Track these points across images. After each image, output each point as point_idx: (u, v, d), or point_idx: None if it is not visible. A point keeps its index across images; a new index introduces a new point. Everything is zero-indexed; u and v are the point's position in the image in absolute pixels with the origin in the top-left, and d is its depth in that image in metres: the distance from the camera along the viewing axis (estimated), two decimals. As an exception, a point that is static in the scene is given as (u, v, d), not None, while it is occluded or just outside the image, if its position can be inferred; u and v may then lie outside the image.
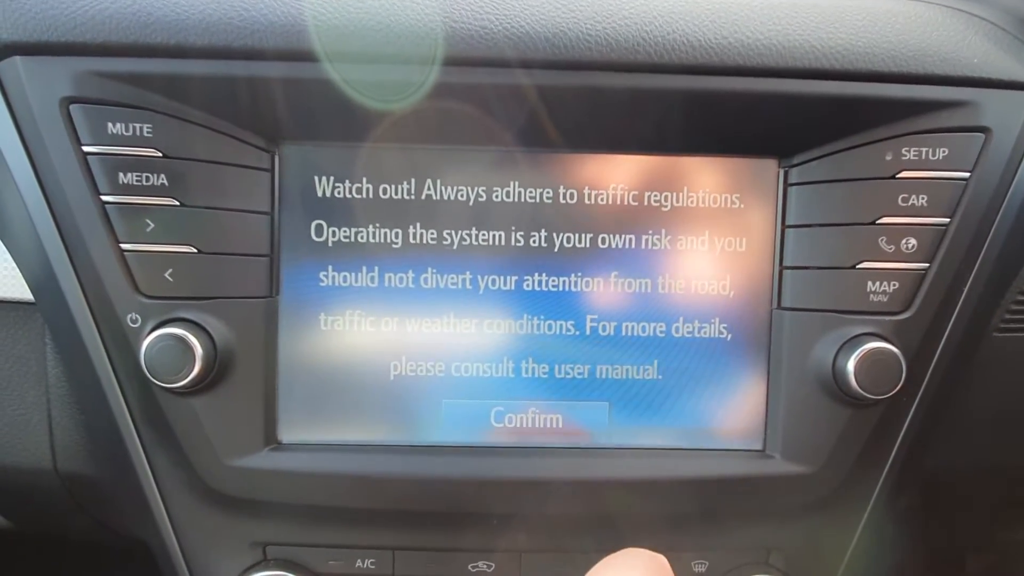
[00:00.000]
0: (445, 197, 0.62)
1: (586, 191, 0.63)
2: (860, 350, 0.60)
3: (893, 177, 0.60)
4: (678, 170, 0.63)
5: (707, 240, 0.64)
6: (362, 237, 0.62)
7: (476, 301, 0.63)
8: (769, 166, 0.64)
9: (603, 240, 0.63)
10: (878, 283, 0.61)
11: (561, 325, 0.64)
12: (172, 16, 0.56)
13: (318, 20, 0.56)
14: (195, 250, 0.59)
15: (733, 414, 0.65)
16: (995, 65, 0.61)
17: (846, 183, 0.61)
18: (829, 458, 0.63)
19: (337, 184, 0.62)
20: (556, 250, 0.63)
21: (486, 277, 0.63)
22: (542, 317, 0.64)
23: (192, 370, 0.57)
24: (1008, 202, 0.62)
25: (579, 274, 0.64)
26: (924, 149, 0.60)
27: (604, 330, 0.64)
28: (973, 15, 0.64)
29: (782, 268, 0.64)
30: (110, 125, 0.57)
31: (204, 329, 0.58)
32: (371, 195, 0.62)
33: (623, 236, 0.64)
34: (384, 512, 0.63)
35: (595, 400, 0.65)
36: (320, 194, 0.62)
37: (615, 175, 0.63)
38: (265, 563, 0.65)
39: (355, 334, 0.63)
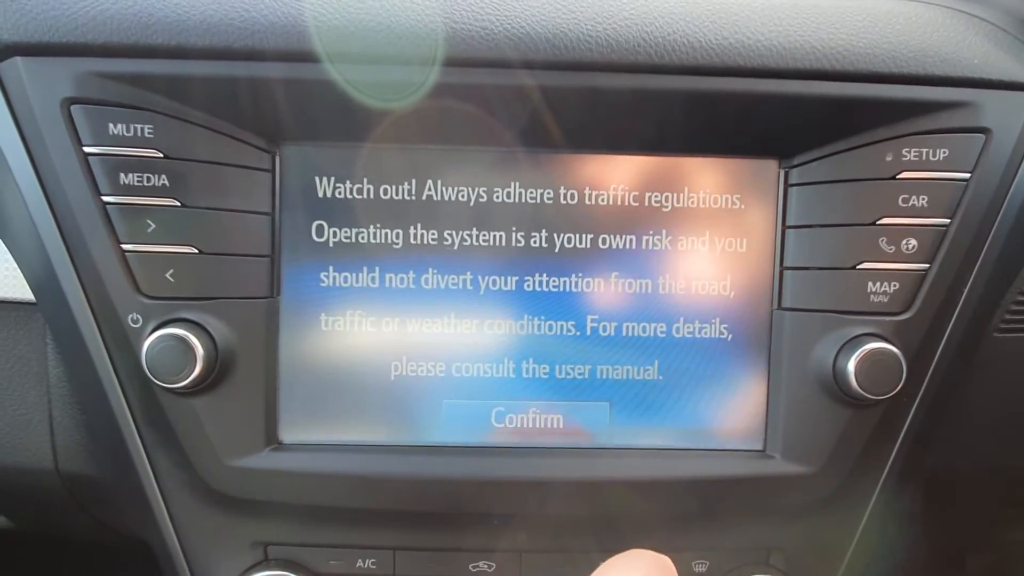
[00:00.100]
0: (446, 198, 0.62)
1: (587, 192, 0.63)
2: (860, 350, 0.60)
3: (893, 178, 0.60)
4: (679, 171, 0.63)
5: (708, 241, 0.64)
6: (363, 238, 0.62)
7: (477, 301, 0.64)
8: (769, 167, 0.64)
9: (604, 240, 0.63)
10: (878, 283, 0.61)
11: (562, 326, 0.64)
12: (173, 17, 0.56)
13: (319, 21, 0.56)
14: (196, 250, 0.59)
15: (733, 414, 0.65)
16: (995, 66, 0.61)
17: (846, 184, 0.61)
18: (829, 458, 0.63)
19: (338, 184, 0.62)
20: (557, 250, 0.63)
21: (487, 278, 0.63)
22: (543, 317, 0.64)
23: (193, 370, 0.57)
24: (1008, 203, 0.62)
25: (580, 274, 0.64)
26: (924, 150, 0.60)
27: (605, 330, 0.64)
28: (973, 16, 0.64)
29: (783, 268, 0.64)
30: (111, 126, 0.57)
31: (205, 329, 0.59)
32: (372, 196, 0.62)
33: (624, 236, 0.64)
34: (385, 512, 0.63)
35: (596, 400, 0.65)
36: (321, 195, 0.62)
37: (616, 175, 0.63)
38: (266, 563, 0.65)
39: (356, 334, 0.63)
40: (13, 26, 0.56)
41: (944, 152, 0.60)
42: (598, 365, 0.64)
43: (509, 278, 0.63)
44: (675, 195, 0.64)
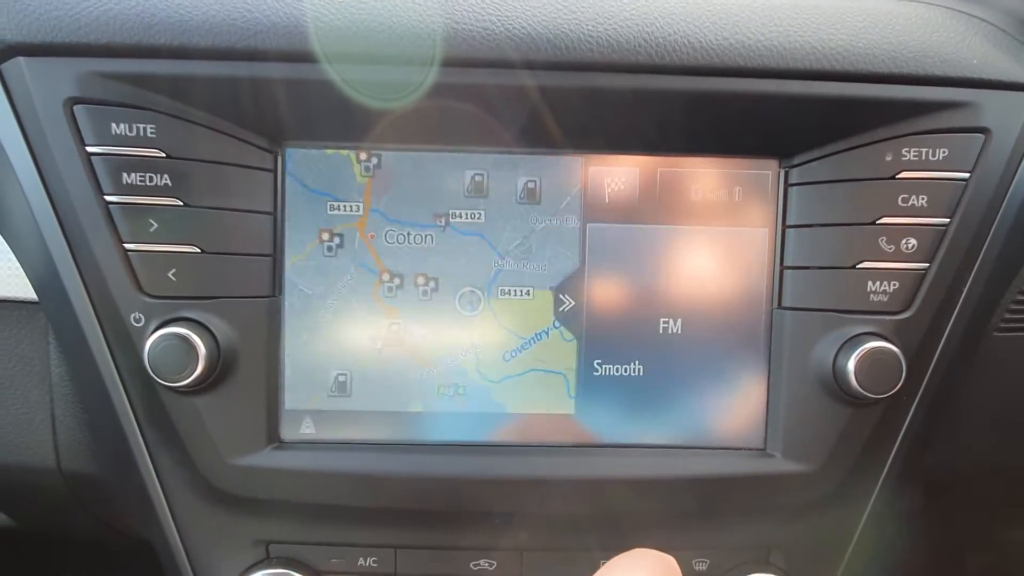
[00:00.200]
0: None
1: (588, 191, 0.63)
2: (860, 349, 0.60)
3: (893, 177, 0.60)
4: (679, 170, 0.64)
5: (708, 239, 0.64)
6: (363, 237, 0.63)
7: (479, 301, 0.64)
8: (770, 166, 0.64)
9: (604, 239, 0.64)
10: (878, 283, 0.61)
11: (563, 325, 0.64)
12: (175, 17, 0.56)
13: (320, 21, 0.56)
14: (198, 250, 0.59)
15: (734, 413, 0.65)
16: (995, 66, 0.61)
17: (846, 183, 0.61)
18: (829, 457, 0.63)
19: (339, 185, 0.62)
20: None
21: (489, 279, 0.64)
22: (545, 317, 0.64)
23: (195, 369, 0.57)
24: (1008, 202, 0.62)
25: (581, 273, 0.64)
26: (924, 150, 0.60)
27: (605, 329, 0.64)
28: (973, 16, 0.64)
29: (783, 268, 0.64)
30: (113, 125, 0.57)
31: (207, 328, 0.59)
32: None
33: (624, 235, 0.64)
34: (386, 510, 0.63)
35: (596, 398, 0.65)
36: (322, 194, 0.62)
37: (616, 175, 0.63)
38: (268, 561, 0.66)
39: (358, 334, 0.63)
40: (16, 26, 0.56)
41: (944, 152, 0.60)
42: (598, 363, 0.65)
43: (510, 277, 0.64)
44: (675, 194, 0.64)
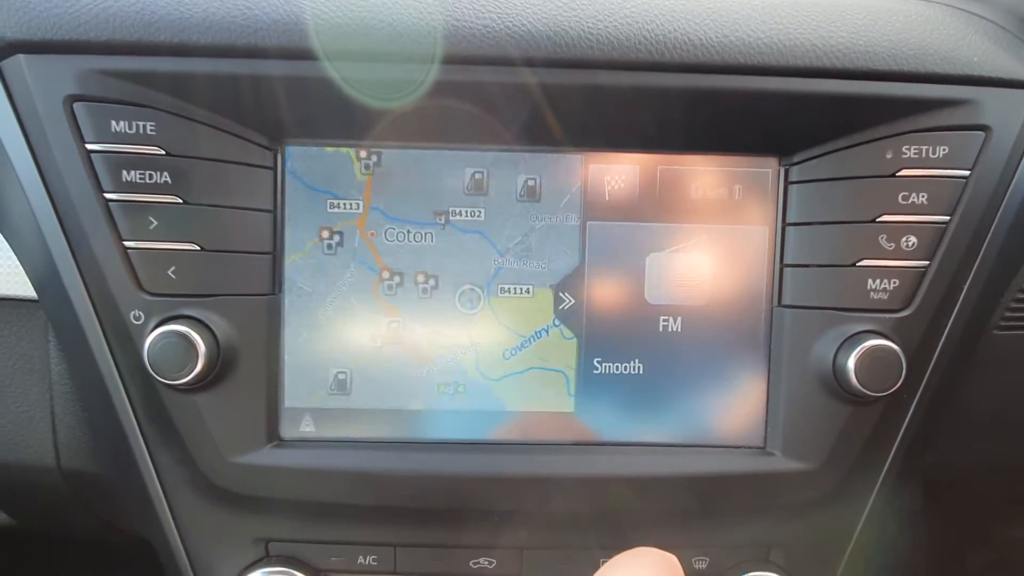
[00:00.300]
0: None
1: (588, 189, 0.63)
2: (860, 347, 0.60)
3: (893, 175, 0.60)
4: (679, 168, 0.64)
5: (708, 237, 0.64)
6: (363, 235, 0.63)
7: (479, 299, 0.64)
8: (770, 164, 0.64)
9: (604, 237, 0.64)
10: (878, 281, 0.61)
11: (563, 323, 0.64)
12: (175, 15, 0.56)
13: (321, 18, 0.56)
14: (198, 247, 0.59)
15: (734, 411, 0.65)
16: (995, 64, 0.61)
17: (846, 181, 0.61)
18: (829, 455, 0.63)
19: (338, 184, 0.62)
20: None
21: (489, 277, 0.64)
22: (545, 315, 0.64)
23: (195, 367, 0.57)
24: (1008, 200, 0.62)
25: (582, 272, 0.64)
26: (924, 147, 0.60)
27: (605, 327, 0.64)
28: (973, 14, 0.64)
29: (783, 266, 0.64)
30: (113, 123, 0.57)
31: (207, 326, 0.59)
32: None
33: (624, 233, 0.64)
34: (386, 508, 0.63)
35: (596, 396, 0.65)
36: (322, 192, 0.62)
37: (616, 173, 0.63)
38: (267, 559, 0.65)
39: (358, 331, 0.63)
40: (16, 24, 0.56)
41: (944, 149, 0.60)
42: (598, 361, 0.65)
43: (508, 274, 0.64)
44: (675, 192, 0.64)
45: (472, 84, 0.58)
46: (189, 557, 0.66)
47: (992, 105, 0.60)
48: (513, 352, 0.64)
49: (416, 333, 0.64)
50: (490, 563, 0.66)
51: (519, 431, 0.65)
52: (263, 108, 0.59)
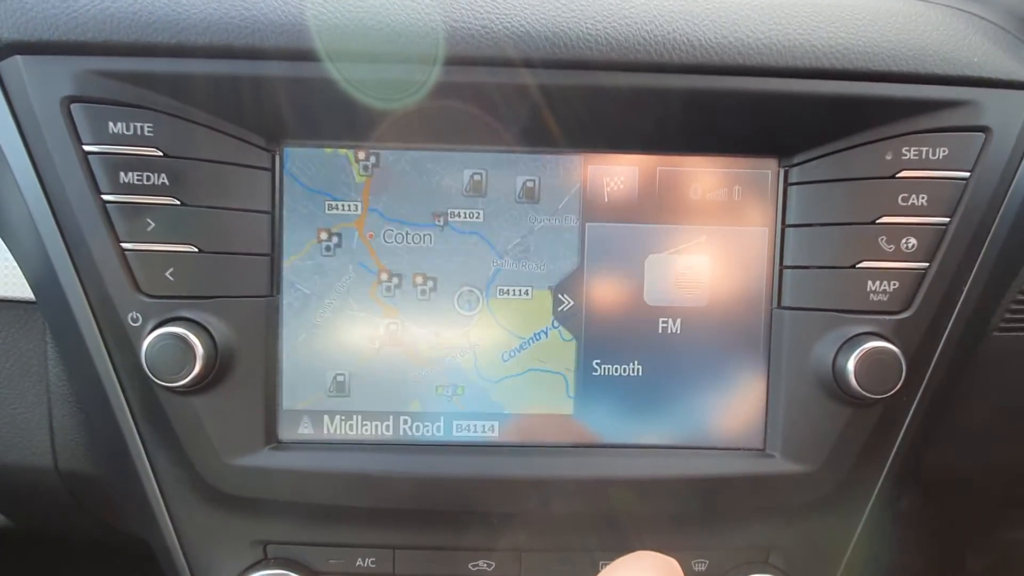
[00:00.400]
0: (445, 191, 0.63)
1: (587, 190, 0.63)
2: (860, 349, 0.60)
3: (893, 177, 0.60)
4: (678, 169, 0.63)
5: (707, 238, 0.64)
6: (362, 236, 0.63)
7: (478, 300, 0.64)
8: (769, 165, 0.64)
9: (603, 238, 0.64)
10: (878, 282, 0.61)
11: (562, 324, 0.64)
12: (173, 15, 0.56)
13: (320, 19, 0.56)
14: (196, 249, 0.59)
15: (733, 413, 0.65)
16: (995, 65, 0.61)
17: (846, 183, 0.61)
18: (829, 457, 0.63)
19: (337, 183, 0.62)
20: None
21: (488, 279, 0.63)
22: (544, 317, 0.64)
23: (193, 369, 0.57)
24: (1008, 202, 0.62)
25: (581, 272, 0.64)
26: (924, 149, 0.60)
27: (604, 328, 0.64)
28: (973, 15, 0.64)
29: (782, 267, 0.64)
30: (111, 124, 0.57)
31: (205, 328, 0.59)
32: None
33: (623, 234, 0.64)
34: (384, 511, 0.63)
35: (595, 398, 0.65)
36: (320, 193, 0.62)
37: (616, 174, 0.63)
38: (265, 562, 0.65)
39: (356, 333, 0.63)
40: (13, 24, 0.56)
41: (944, 151, 0.60)
42: (597, 363, 0.64)
43: (507, 275, 0.64)
44: (675, 193, 0.64)
45: (471, 85, 0.58)
46: (187, 559, 0.66)
47: (992, 106, 0.60)
48: (512, 354, 0.64)
49: (415, 335, 0.64)
50: (489, 565, 0.66)
51: (518, 433, 0.65)
52: (261, 109, 0.58)
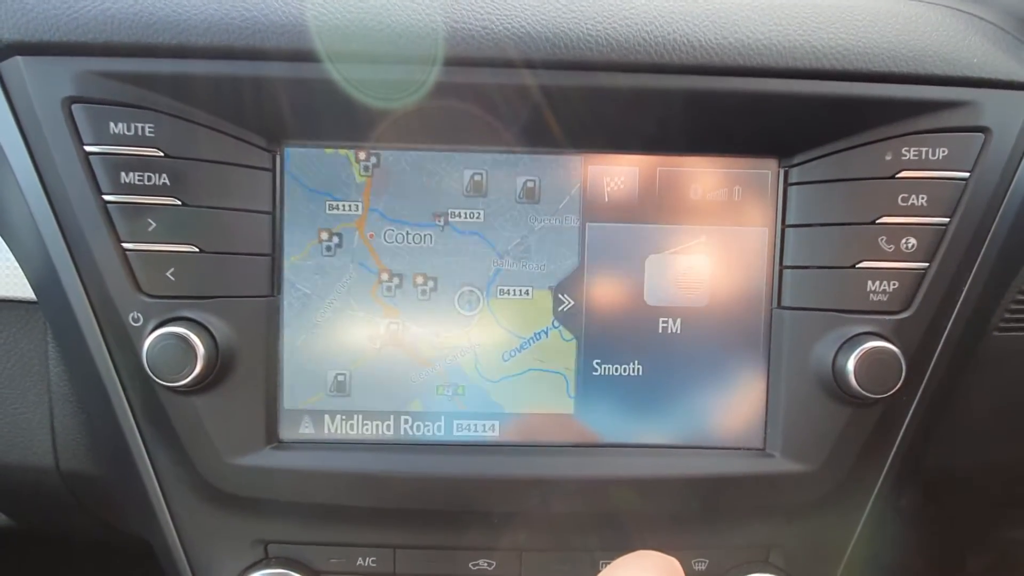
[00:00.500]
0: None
1: (587, 190, 0.63)
2: (860, 349, 0.60)
3: (893, 177, 0.60)
4: (679, 169, 0.63)
5: (707, 238, 0.64)
6: (362, 236, 0.63)
7: (479, 300, 0.64)
8: (769, 165, 0.64)
9: (604, 238, 0.64)
10: (878, 282, 0.61)
11: (562, 324, 0.64)
12: (174, 16, 0.56)
13: (320, 20, 0.56)
14: (197, 249, 0.59)
15: (733, 413, 0.65)
16: (995, 65, 0.61)
17: (846, 183, 0.61)
18: (829, 457, 0.63)
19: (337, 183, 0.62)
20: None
21: (488, 279, 0.63)
22: (545, 317, 0.64)
23: (194, 369, 0.57)
24: (1008, 202, 0.62)
25: (580, 272, 0.64)
26: (924, 149, 0.60)
27: (604, 328, 0.64)
28: (973, 15, 0.64)
29: (782, 267, 0.64)
30: (112, 125, 0.57)
31: (206, 328, 0.59)
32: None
33: (624, 235, 0.64)
34: (385, 510, 0.63)
35: (595, 398, 0.65)
36: (321, 194, 0.62)
37: (616, 174, 0.63)
38: (266, 561, 0.65)
39: (357, 333, 0.63)
40: (14, 25, 0.56)
41: (943, 151, 0.60)
42: (598, 363, 0.65)
43: (508, 275, 0.64)
44: (675, 193, 0.64)
45: (471, 85, 0.58)
46: (188, 559, 0.66)
47: (992, 107, 0.60)
48: (512, 353, 0.64)
49: (415, 335, 0.64)
50: (489, 564, 0.66)
51: (518, 433, 0.65)
52: (262, 110, 0.58)
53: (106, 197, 0.58)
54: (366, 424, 0.64)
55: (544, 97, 0.58)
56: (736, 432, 0.65)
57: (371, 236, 0.63)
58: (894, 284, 0.61)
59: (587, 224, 0.64)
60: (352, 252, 0.63)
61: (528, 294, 0.64)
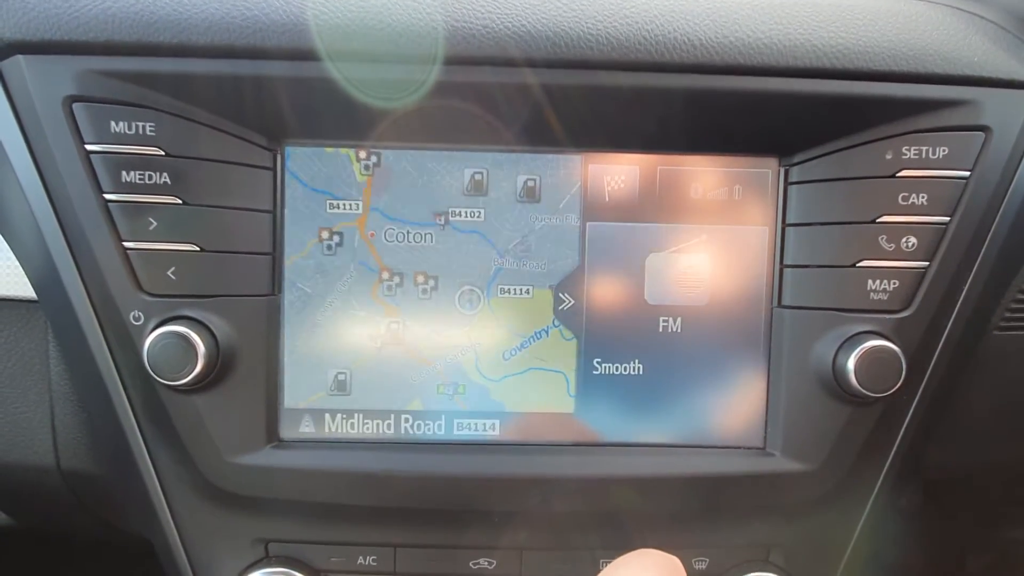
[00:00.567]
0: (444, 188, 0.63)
1: (588, 189, 0.63)
2: (860, 348, 0.60)
3: (893, 176, 0.60)
4: (679, 168, 0.64)
5: (708, 237, 0.64)
6: (363, 235, 0.63)
7: (479, 299, 0.64)
8: (770, 164, 0.64)
9: (604, 237, 0.64)
10: (878, 281, 0.61)
11: (562, 323, 0.64)
12: (175, 15, 0.56)
13: (321, 19, 0.56)
14: (197, 248, 0.59)
15: (733, 412, 0.65)
16: (995, 64, 0.61)
17: (846, 182, 0.61)
18: (829, 456, 0.63)
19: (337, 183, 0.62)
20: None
21: (489, 278, 0.64)
22: (545, 316, 0.64)
23: (194, 368, 0.57)
24: (1008, 201, 0.62)
25: (580, 271, 0.64)
26: (924, 148, 0.60)
27: (604, 327, 0.64)
28: (974, 14, 0.64)
29: (782, 266, 0.64)
30: (113, 124, 0.57)
31: (207, 327, 0.59)
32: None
33: (624, 234, 0.64)
34: (386, 509, 0.63)
35: (596, 397, 0.65)
36: (321, 193, 0.62)
37: (616, 173, 0.63)
38: (267, 560, 0.65)
39: (357, 332, 0.63)
40: (15, 24, 0.56)
41: (944, 150, 0.60)
42: (598, 362, 0.65)
43: (508, 274, 0.64)
44: (675, 192, 0.64)
45: (472, 84, 0.58)
46: (189, 557, 0.66)
47: (992, 106, 0.60)
48: (513, 352, 0.64)
49: (416, 334, 0.64)
50: (490, 563, 0.66)
51: (519, 432, 0.65)
52: (263, 109, 0.59)
53: (107, 196, 0.58)
54: (366, 423, 0.64)
55: (545, 96, 0.58)
56: (736, 431, 0.66)
57: (372, 235, 0.63)
58: (894, 283, 0.61)
59: (587, 223, 0.64)
60: (353, 251, 0.63)
61: (528, 293, 0.64)
